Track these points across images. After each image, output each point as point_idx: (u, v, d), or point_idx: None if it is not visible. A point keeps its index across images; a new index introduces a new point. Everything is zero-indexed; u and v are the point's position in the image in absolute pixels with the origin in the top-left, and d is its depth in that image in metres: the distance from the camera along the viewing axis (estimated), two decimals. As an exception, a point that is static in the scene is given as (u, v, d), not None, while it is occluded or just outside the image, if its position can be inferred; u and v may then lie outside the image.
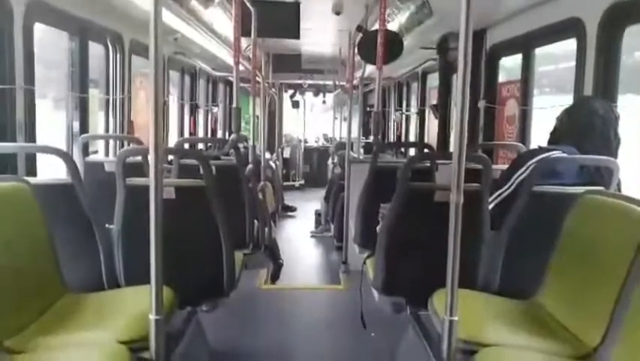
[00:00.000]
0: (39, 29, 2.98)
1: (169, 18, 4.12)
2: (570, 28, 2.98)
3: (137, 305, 1.98)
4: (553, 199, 2.23)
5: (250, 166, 4.17)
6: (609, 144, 2.35)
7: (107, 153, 4.15)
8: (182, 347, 2.39)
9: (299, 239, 6.67)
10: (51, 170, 2.88)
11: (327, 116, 12.60)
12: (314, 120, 13.24)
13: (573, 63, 2.97)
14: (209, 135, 7.78)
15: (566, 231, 2.09)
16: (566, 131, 2.46)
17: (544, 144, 2.54)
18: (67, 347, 1.82)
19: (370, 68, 5.41)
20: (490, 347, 1.77)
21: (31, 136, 2.87)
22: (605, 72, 2.70)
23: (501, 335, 1.89)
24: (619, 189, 2.33)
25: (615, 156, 2.36)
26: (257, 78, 5.22)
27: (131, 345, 1.80)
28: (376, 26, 4.37)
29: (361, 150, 7.06)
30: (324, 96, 12.34)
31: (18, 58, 2.71)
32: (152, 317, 1.80)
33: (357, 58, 5.02)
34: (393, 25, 5.17)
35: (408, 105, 8.25)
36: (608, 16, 2.66)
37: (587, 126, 2.38)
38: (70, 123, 3.66)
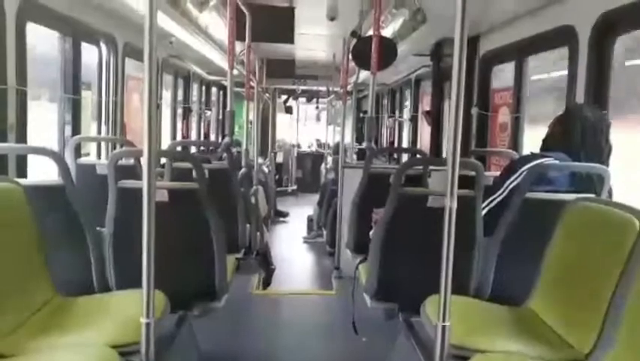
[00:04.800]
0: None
1: (163, 21, 4.11)
2: (563, 36, 3.00)
3: (127, 309, 1.97)
4: (546, 206, 2.24)
5: (243, 170, 4.17)
6: (600, 151, 2.37)
7: (99, 156, 4.13)
8: (173, 351, 2.36)
9: (291, 244, 6.65)
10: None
11: (320, 123, 12.61)
12: (307, 125, 13.25)
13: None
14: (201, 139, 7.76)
15: (558, 237, 2.10)
16: (557, 138, 2.48)
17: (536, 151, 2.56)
18: (55, 349, 1.80)
19: (364, 74, 5.42)
20: (482, 354, 1.76)
21: (22, 137, 2.85)
22: (597, 80, 2.72)
23: (493, 341, 1.88)
24: (610, 196, 2.34)
25: (606, 163, 2.38)
26: (251, 83, 5.21)
27: (121, 349, 1.78)
28: (371, 32, 4.39)
29: (354, 156, 7.07)
30: (317, 102, 12.37)
31: (10, 58, 2.69)
32: (143, 320, 1.78)
33: (352, 64, 5.04)
34: (387, 32, 5.20)
35: (401, 112, 8.28)
36: (601, 25, 2.68)
37: (578, 134, 2.40)
38: (62, 125, 3.64)
